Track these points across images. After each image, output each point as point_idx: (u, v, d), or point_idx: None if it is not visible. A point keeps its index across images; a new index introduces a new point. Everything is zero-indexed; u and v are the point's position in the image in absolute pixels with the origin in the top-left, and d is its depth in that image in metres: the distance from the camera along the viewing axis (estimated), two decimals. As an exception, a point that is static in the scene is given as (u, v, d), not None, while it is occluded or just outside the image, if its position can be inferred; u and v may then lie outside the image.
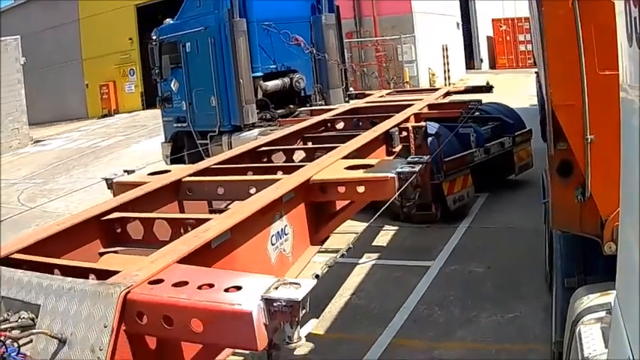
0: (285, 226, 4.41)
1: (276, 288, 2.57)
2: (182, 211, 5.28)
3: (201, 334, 2.57)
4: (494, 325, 5.91)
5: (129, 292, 2.72)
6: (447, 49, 26.90)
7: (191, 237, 3.53)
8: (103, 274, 3.16)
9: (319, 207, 4.97)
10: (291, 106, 12.78)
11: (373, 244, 8.74)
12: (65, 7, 32.00)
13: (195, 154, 11.74)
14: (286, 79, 12.63)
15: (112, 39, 30.54)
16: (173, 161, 13.19)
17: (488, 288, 6.79)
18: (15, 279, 3.29)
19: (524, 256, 7.50)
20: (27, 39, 27.12)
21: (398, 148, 7.18)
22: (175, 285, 2.76)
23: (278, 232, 4.29)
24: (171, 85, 13.21)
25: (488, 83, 12.32)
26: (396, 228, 9.18)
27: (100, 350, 2.63)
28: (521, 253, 7.67)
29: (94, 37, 31.23)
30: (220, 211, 4.84)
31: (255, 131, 11.48)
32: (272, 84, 12.41)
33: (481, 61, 34.48)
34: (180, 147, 13.55)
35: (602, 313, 3.09)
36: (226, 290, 2.63)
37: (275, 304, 2.49)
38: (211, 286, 2.69)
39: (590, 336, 2.98)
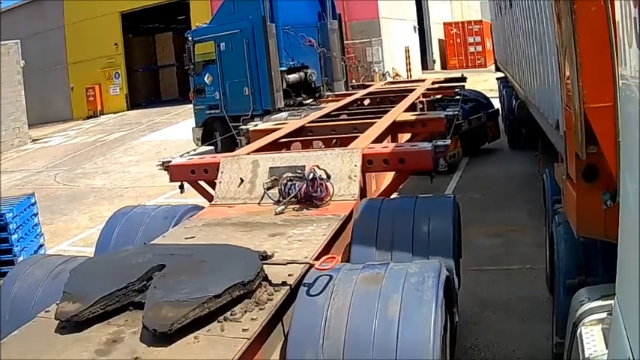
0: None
1: (436, 143, 5.65)
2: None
3: (403, 165, 5.61)
4: (496, 220, 9.17)
5: (363, 150, 5.73)
6: (409, 51, 30.46)
7: (360, 139, 6.54)
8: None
9: (395, 137, 8.10)
10: (304, 95, 15.91)
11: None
12: (51, 13, 33.95)
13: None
14: (302, 73, 15.71)
15: (97, 44, 32.59)
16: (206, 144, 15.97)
17: (486, 204, 10.04)
18: (279, 156, 5.91)
19: (505, 189, 10.84)
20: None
21: (418, 114, 10.41)
22: (383, 147, 5.82)
23: (386, 148, 7.38)
24: (205, 78, 16.06)
25: (462, 75, 15.72)
26: (407, 179, 12.42)
27: (355, 176, 5.47)
28: (502, 187, 11.00)
29: (80, 43, 33.23)
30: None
31: (285, 114, 14.29)
32: (292, 77, 15.44)
33: (434, 62, 38.14)
34: (210, 131, 16.40)
35: (604, 314, 3.06)
36: (411, 146, 5.72)
37: (437, 149, 5.57)
38: (402, 146, 5.77)
39: (592, 337, 2.99)
